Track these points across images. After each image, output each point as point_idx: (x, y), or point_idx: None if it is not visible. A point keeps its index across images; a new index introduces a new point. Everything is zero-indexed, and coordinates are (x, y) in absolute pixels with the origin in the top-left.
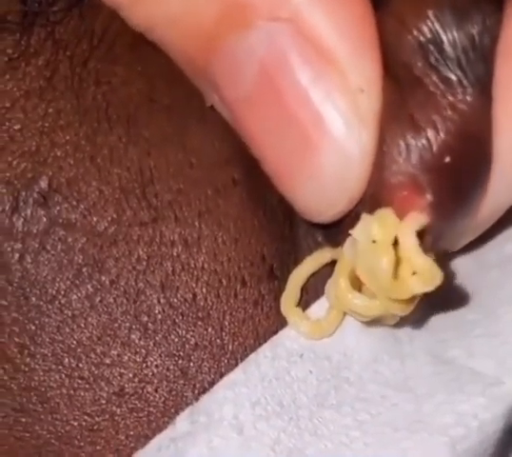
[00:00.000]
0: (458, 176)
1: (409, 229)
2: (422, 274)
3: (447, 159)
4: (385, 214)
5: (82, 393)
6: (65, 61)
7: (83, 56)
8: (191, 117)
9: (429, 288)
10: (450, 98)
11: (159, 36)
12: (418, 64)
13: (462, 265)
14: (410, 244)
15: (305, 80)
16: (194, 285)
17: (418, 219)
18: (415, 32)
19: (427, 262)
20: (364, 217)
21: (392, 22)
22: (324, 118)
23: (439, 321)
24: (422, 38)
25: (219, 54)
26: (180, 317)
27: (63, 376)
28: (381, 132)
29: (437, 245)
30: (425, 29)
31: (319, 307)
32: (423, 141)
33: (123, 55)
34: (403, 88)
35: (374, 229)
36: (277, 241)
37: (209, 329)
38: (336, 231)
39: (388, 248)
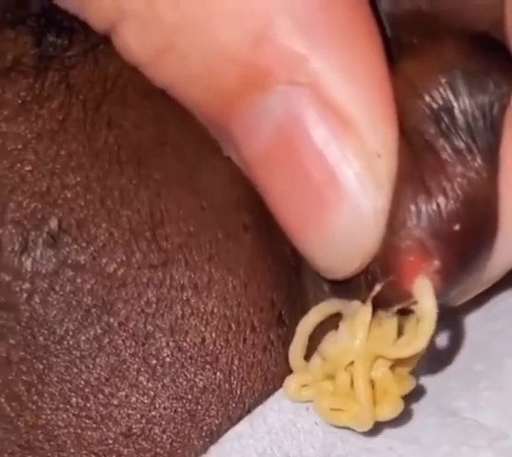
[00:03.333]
0: (465, 242)
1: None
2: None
3: (457, 227)
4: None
5: (89, 433)
6: (78, 105)
7: (96, 100)
8: (202, 161)
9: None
10: (460, 167)
11: (180, 94)
12: (429, 130)
13: (470, 315)
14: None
15: (320, 141)
16: (203, 329)
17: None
18: (427, 98)
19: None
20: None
21: (403, 84)
22: (340, 179)
23: (445, 370)
24: (434, 105)
25: (238, 114)
26: (189, 360)
27: (70, 415)
28: (393, 196)
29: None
30: (437, 96)
31: None
32: (434, 207)
33: (135, 100)
34: (415, 152)
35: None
36: (285, 287)
37: (218, 373)
38: (342, 286)
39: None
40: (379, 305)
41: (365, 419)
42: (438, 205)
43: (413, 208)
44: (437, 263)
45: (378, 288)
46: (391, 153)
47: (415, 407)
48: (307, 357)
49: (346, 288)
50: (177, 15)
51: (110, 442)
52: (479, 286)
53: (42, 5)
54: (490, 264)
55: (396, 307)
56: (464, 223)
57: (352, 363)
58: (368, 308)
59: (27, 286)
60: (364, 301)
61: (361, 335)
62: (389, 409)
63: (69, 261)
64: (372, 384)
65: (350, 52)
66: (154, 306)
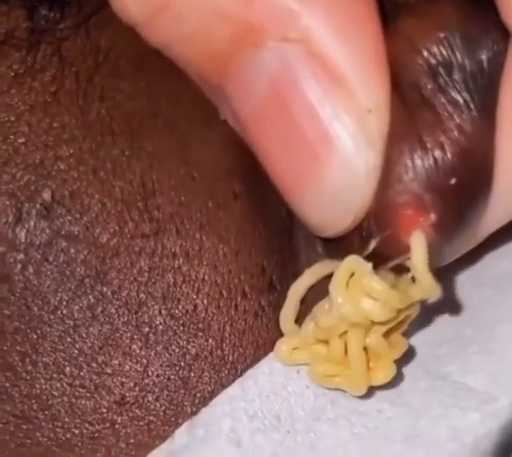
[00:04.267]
0: (461, 197)
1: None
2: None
3: (453, 180)
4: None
5: (83, 402)
6: (70, 77)
7: (88, 72)
8: (194, 132)
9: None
10: (457, 120)
11: (175, 54)
12: (427, 85)
13: (458, 281)
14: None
15: (313, 98)
16: (195, 296)
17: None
18: (425, 54)
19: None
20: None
21: (401, 41)
22: (332, 136)
23: (435, 335)
24: (432, 60)
25: (232, 71)
26: (181, 328)
27: (64, 384)
28: (388, 151)
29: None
30: (436, 52)
31: None
32: (431, 161)
33: (127, 72)
34: (411, 108)
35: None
36: (277, 253)
37: (210, 340)
38: (336, 245)
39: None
40: (375, 262)
41: (360, 384)
42: (434, 159)
43: (409, 162)
44: (433, 216)
45: (373, 243)
46: (383, 110)
47: (405, 370)
48: (299, 319)
49: (340, 247)
50: None
51: (104, 410)
52: (471, 242)
53: None
54: (484, 219)
55: (393, 263)
56: (461, 177)
57: (346, 331)
58: (346, 268)
59: (21, 257)
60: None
61: (349, 303)
62: (383, 374)
63: (63, 232)
64: (366, 349)
65: (342, 9)
66: (146, 274)
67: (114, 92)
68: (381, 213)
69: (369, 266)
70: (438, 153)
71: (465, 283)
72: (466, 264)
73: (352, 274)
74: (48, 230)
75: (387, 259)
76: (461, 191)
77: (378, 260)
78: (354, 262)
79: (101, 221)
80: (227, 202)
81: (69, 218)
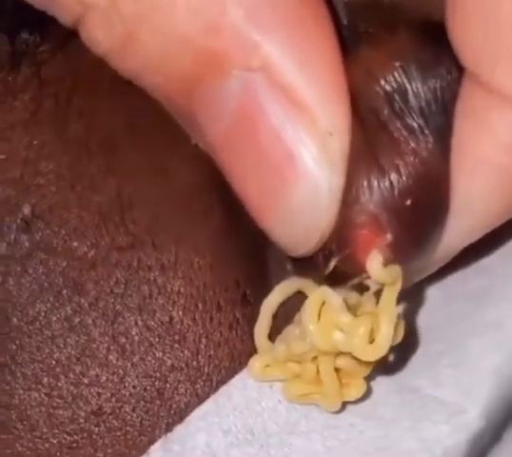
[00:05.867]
0: (417, 218)
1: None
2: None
3: (408, 202)
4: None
5: (61, 412)
6: (49, 97)
7: (66, 93)
8: (169, 149)
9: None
10: (413, 144)
11: (143, 82)
12: (384, 111)
13: (429, 296)
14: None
15: (277, 123)
16: (171, 308)
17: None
18: (382, 82)
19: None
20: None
21: (360, 70)
22: (296, 158)
23: (406, 351)
24: (388, 87)
25: (199, 98)
26: (157, 339)
27: (42, 395)
28: (348, 173)
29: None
30: (391, 80)
31: None
32: (387, 183)
33: (104, 92)
34: (369, 132)
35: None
36: (250, 267)
37: (186, 352)
38: (302, 262)
39: None
40: (338, 281)
41: (334, 402)
42: (390, 181)
43: (366, 183)
44: (389, 236)
45: (334, 262)
46: (344, 132)
47: (377, 385)
48: (272, 334)
49: (306, 264)
50: (136, 8)
51: (82, 420)
52: (432, 264)
53: (15, 4)
54: (443, 242)
55: (352, 282)
56: (416, 198)
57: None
58: (317, 299)
59: (1, 269)
60: (322, 277)
61: (320, 334)
62: (355, 391)
63: (42, 244)
64: (337, 369)
65: (300, 37)
66: (123, 286)
67: (92, 111)
68: (340, 233)
69: (339, 298)
70: (393, 176)
71: (437, 297)
72: (438, 279)
73: (323, 303)
74: (27, 243)
75: (350, 277)
76: (416, 212)
77: (344, 277)
78: (324, 293)
79: (79, 234)
80: (203, 216)
81: (48, 231)
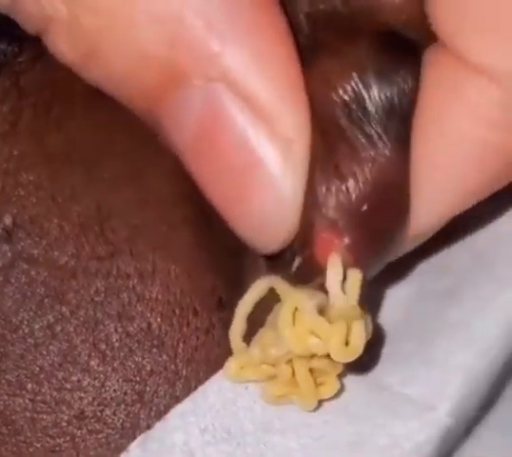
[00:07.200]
0: (374, 222)
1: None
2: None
3: (364, 207)
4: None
5: (44, 416)
6: (28, 108)
7: (45, 104)
8: (147, 160)
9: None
10: (371, 152)
11: (111, 92)
12: (342, 120)
13: (400, 295)
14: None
15: (239, 131)
16: (149, 314)
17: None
18: (340, 91)
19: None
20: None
21: (319, 78)
22: (259, 164)
23: (376, 349)
24: (346, 97)
25: (164, 109)
26: (136, 344)
27: (26, 400)
28: (309, 178)
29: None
30: (349, 89)
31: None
32: (344, 189)
33: (83, 103)
34: (330, 140)
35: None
36: (225, 273)
37: (164, 356)
38: (273, 261)
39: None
40: (305, 279)
41: (310, 402)
42: (347, 188)
43: (325, 189)
44: (347, 240)
45: (297, 262)
46: (304, 139)
47: (349, 383)
48: (248, 336)
49: (277, 262)
50: (97, 21)
51: (64, 424)
52: (409, 244)
53: None
54: (418, 222)
55: (314, 283)
56: (372, 204)
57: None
58: (290, 304)
59: None
60: (290, 275)
61: (295, 340)
62: (329, 389)
63: (24, 254)
64: (311, 369)
65: (259, 47)
66: (103, 294)
67: (71, 122)
68: (302, 234)
69: (311, 304)
70: (351, 182)
71: (408, 296)
72: (409, 278)
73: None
74: (9, 253)
75: (314, 276)
76: (373, 217)
77: (310, 276)
78: (297, 299)
79: (59, 244)
80: (179, 225)
81: (30, 241)
